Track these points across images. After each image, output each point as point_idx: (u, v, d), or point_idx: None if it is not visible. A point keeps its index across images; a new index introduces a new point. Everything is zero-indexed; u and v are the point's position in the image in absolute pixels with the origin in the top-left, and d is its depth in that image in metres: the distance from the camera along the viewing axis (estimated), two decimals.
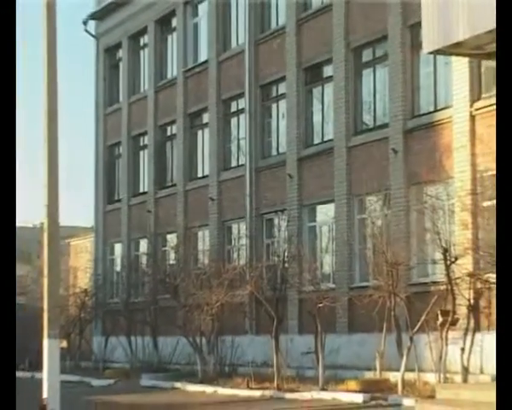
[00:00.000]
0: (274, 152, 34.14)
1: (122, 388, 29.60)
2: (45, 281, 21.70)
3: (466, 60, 23.62)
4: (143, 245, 41.94)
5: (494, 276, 22.28)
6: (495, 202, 23.81)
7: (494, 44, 16.08)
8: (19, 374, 35.24)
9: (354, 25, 29.87)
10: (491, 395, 15.43)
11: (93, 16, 45.54)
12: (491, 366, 22.84)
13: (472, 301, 23.00)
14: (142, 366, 34.26)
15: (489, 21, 15.20)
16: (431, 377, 22.85)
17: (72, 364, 36.27)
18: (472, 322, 22.83)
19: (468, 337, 22.53)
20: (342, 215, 29.97)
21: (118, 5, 43.74)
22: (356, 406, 21.78)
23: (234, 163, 36.31)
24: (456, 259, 23.16)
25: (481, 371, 23.06)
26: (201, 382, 28.45)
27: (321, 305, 26.27)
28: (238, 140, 36.14)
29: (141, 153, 43.18)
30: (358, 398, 22.22)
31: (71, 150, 67.34)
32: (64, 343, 32.72)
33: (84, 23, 45.43)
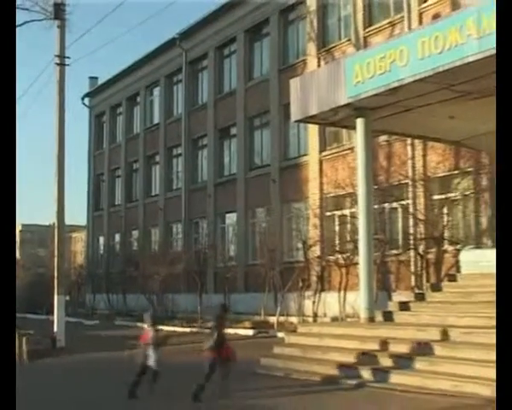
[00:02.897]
0: (200, 180, 33.98)
1: (103, 326, 29.14)
2: (55, 259, 21.41)
3: (316, 126, 23.89)
4: (117, 237, 41.55)
5: (332, 258, 22.76)
6: (336, 212, 24.42)
7: (335, 116, 16.25)
8: (39, 317, 34.82)
9: (250, 103, 29.98)
10: (330, 330, 15.68)
11: (87, 94, 44.95)
12: (330, 312, 23.19)
13: (319, 273, 23.26)
14: (116, 313, 33.81)
15: (330, 102, 15.37)
16: (294, 320, 22.98)
17: (73, 311, 35.61)
18: (319, 286, 23.08)
19: (317, 295, 22.76)
20: (241, 220, 30.01)
21: (103, 88, 43.41)
22: (249, 337, 21.79)
23: (175, 187, 36.06)
24: (310, 247, 23.43)
25: (324, 315, 23.25)
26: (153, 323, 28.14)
27: (228, 275, 26.40)
28: (177, 172, 35.92)
29: (116, 180, 42.72)
30: (250, 332, 22.28)
31: (73, 177, 66.52)
32: (67, 298, 32.10)
33: (82, 98, 44.87)
